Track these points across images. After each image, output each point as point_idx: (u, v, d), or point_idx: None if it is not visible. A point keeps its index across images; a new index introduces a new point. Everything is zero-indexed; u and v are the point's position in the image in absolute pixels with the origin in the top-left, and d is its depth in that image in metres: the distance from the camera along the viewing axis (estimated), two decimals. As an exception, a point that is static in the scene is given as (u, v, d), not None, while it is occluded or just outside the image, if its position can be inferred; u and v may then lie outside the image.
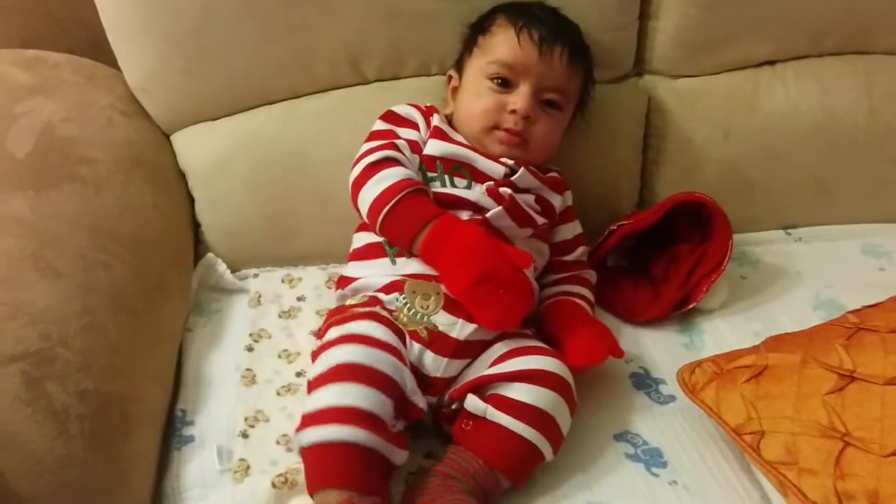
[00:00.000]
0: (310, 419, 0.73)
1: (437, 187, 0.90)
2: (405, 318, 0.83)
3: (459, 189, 0.90)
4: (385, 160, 0.88)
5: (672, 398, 0.90)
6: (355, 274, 0.91)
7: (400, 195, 0.85)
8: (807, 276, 1.06)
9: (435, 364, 0.82)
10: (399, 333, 0.81)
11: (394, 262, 0.88)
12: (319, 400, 0.73)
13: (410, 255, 0.87)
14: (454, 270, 0.81)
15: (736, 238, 1.00)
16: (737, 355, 0.85)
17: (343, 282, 0.92)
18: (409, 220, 0.84)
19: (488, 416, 0.78)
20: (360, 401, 0.72)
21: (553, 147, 0.96)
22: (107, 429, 0.75)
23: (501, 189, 0.89)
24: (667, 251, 1.04)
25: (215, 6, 0.97)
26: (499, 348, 0.84)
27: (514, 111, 0.91)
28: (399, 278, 0.86)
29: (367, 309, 0.83)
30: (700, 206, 1.01)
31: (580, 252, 1.00)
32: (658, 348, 0.97)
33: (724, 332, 0.99)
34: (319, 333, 0.87)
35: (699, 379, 0.85)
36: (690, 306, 0.99)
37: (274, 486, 0.78)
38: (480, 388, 0.81)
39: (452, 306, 0.83)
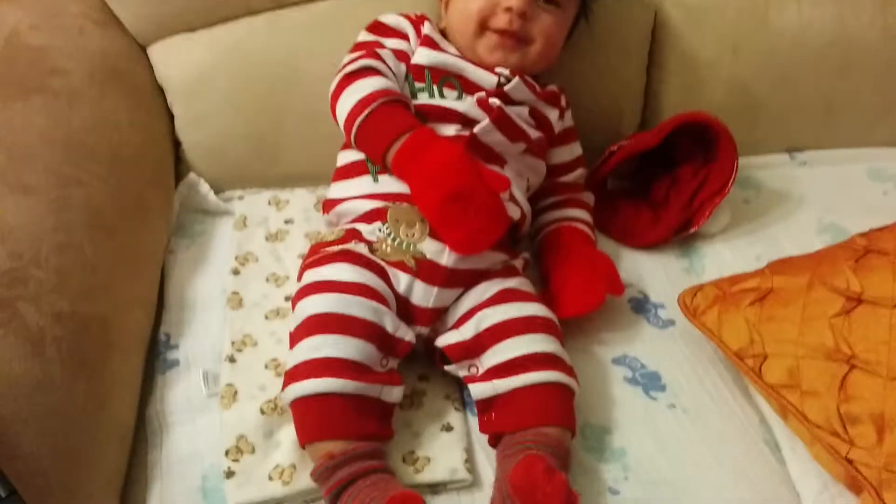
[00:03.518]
0: (290, 376, 0.71)
1: (424, 98, 0.86)
2: (389, 250, 0.79)
3: (448, 100, 0.85)
4: (363, 69, 0.83)
5: (671, 322, 0.88)
6: (338, 195, 0.87)
7: (374, 104, 0.80)
8: (810, 200, 1.04)
9: (425, 294, 0.79)
10: (377, 269, 0.78)
11: (376, 180, 0.84)
12: (297, 355, 0.72)
13: (390, 168, 0.82)
14: (425, 186, 0.77)
15: (740, 160, 0.97)
16: (741, 278, 0.82)
17: (328, 205, 0.88)
18: (383, 131, 0.80)
19: (501, 390, 0.75)
20: (337, 350, 0.70)
21: (555, 49, 0.90)
22: (86, 351, 0.72)
23: (491, 100, 0.84)
24: (669, 173, 1.01)
25: None
26: (487, 287, 0.81)
27: (508, 9, 0.85)
28: (381, 204, 0.82)
29: (341, 247, 0.79)
30: (704, 127, 0.97)
31: (578, 174, 0.97)
32: (657, 273, 0.94)
33: (725, 256, 0.96)
34: (298, 275, 0.83)
35: (700, 302, 0.82)
36: (692, 230, 0.96)
37: (262, 412, 0.76)
38: (472, 364, 0.77)
39: None
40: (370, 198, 0.83)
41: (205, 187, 1.00)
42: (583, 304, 0.83)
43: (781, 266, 0.82)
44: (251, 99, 0.99)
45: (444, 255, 0.79)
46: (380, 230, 0.80)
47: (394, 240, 0.79)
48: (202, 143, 1.02)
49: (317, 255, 0.79)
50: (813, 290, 0.76)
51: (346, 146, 0.89)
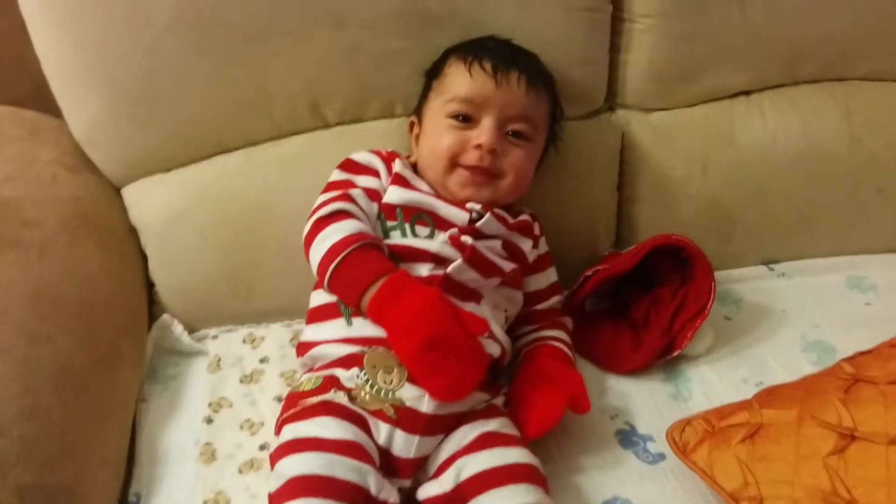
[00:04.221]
0: None
1: (396, 237, 0.85)
2: (368, 398, 0.77)
3: (420, 239, 0.85)
4: (335, 213, 0.83)
5: (661, 457, 0.85)
6: (312, 338, 0.85)
7: (347, 250, 0.79)
8: (792, 315, 1.03)
9: (406, 444, 0.76)
10: (359, 421, 0.75)
11: (349, 323, 0.82)
12: None
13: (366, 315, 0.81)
14: (402, 333, 0.76)
15: (717, 275, 0.96)
16: (729, 411, 0.80)
17: (301, 349, 0.86)
18: (357, 276, 0.79)
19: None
20: None
21: (526, 181, 0.91)
22: (50, 528, 0.68)
23: (463, 238, 0.84)
24: (648, 293, 1.00)
25: (163, 49, 0.92)
26: (468, 431, 0.78)
27: (478, 146, 0.86)
28: (357, 350, 0.80)
29: (321, 398, 0.77)
30: (679, 248, 0.96)
31: (555, 301, 0.96)
32: (643, 400, 0.92)
33: (711, 379, 0.94)
34: (276, 428, 0.80)
35: (690, 438, 0.80)
36: (675, 353, 0.94)
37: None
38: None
39: None
40: (345, 342, 0.82)
41: (178, 328, 0.98)
42: (540, 423, 0.81)
43: (769, 398, 0.80)
44: (226, 236, 0.99)
45: (423, 402, 0.77)
46: (357, 377, 0.78)
47: (372, 387, 0.77)
48: (176, 283, 1.00)
49: (295, 409, 0.77)
50: (804, 425, 0.74)
51: (319, 286, 0.88)
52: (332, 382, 0.79)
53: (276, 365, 0.95)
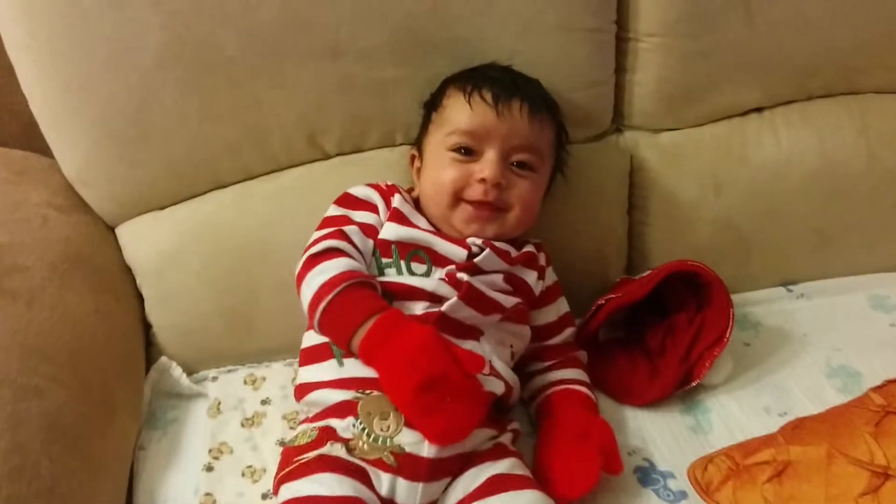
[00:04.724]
0: None
1: (391, 275, 0.82)
2: (366, 447, 0.73)
3: (416, 277, 0.81)
4: (327, 251, 0.80)
5: (683, 495, 0.81)
6: (306, 379, 0.82)
7: (338, 289, 0.76)
8: (814, 338, 0.99)
9: (410, 493, 0.72)
10: (359, 473, 0.71)
11: (341, 364, 0.79)
12: None
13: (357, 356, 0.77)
14: (396, 374, 0.72)
15: (735, 298, 0.93)
16: (753, 448, 0.77)
17: (298, 392, 0.83)
18: (347, 316, 0.75)
19: None
20: None
21: (533, 213, 0.88)
22: None
23: (459, 275, 0.80)
24: (663, 320, 0.96)
25: (152, 86, 0.89)
26: (476, 474, 0.75)
27: (482, 180, 0.82)
28: (351, 396, 0.76)
29: (317, 452, 0.73)
30: (694, 273, 0.93)
31: (567, 334, 0.92)
32: (662, 434, 0.88)
33: (732, 409, 0.90)
34: (274, 487, 0.76)
35: (713, 477, 0.76)
36: (693, 384, 0.90)
37: None
38: None
39: None
40: (338, 386, 0.78)
41: (177, 371, 0.95)
42: (575, 488, 0.77)
43: (796, 432, 0.76)
44: (223, 274, 0.96)
45: (423, 447, 0.73)
46: (353, 426, 0.74)
47: (369, 435, 0.73)
48: (173, 323, 0.97)
49: (291, 466, 0.73)
50: (834, 462, 0.70)
51: (310, 327, 0.84)
52: (328, 434, 0.75)
53: (279, 406, 0.92)
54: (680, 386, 0.91)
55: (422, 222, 0.85)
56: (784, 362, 0.95)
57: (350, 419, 0.75)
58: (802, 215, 1.04)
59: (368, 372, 0.75)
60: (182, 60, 0.88)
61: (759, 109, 1.05)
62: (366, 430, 0.73)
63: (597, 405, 0.88)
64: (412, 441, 0.73)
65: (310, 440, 0.75)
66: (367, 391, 0.76)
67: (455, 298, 0.79)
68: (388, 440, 0.73)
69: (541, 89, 0.90)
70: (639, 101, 1.01)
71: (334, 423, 0.76)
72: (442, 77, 0.92)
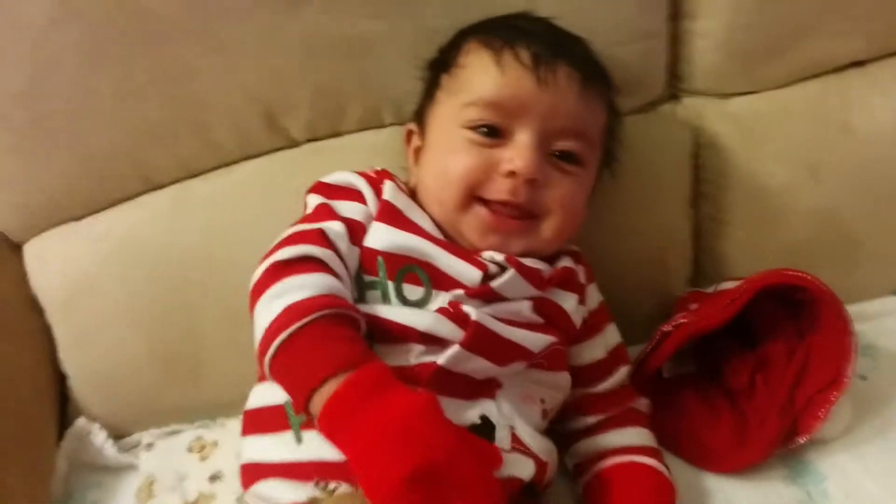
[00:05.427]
0: None
1: (374, 301, 0.59)
2: None
3: (408, 307, 0.60)
4: (300, 260, 0.57)
5: None
6: (252, 457, 0.60)
7: (306, 319, 0.53)
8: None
9: None
10: None
11: (299, 440, 0.56)
12: None
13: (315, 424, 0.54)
14: (375, 458, 0.49)
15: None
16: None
17: (244, 475, 0.60)
18: (312, 361, 0.53)
19: None
20: None
21: (575, 223, 0.67)
22: None
23: (465, 308, 0.58)
24: (750, 350, 0.75)
25: (47, 51, 0.71)
26: None
27: (511, 172, 0.62)
28: (309, 493, 0.54)
29: None
30: (793, 287, 0.71)
31: (621, 375, 0.69)
32: (760, 515, 0.66)
33: (853, 474, 0.68)
34: None
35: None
36: (802, 440, 0.69)
37: None
38: None
39: None
40: (291, 474, 0.56)
41: (99, 437, 0.77)
42: None
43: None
44: (153, 304, 0.79)
45: None
46: None
47: None
48: (94, 371, 0.80)
49: None
50: None
51: (263, 377, 0.62)
52: None
53: (231, 484, 0.71)
54: (782, 443, 0.69)
55: (423, 223, 0.63)
56: (919, 402, 0.74)
57: None
58: (925, 202, 0.84)
59: (336, 454, 0.52)
60: (83, 15, 0.70)
61: (861, 63, 0.86)
62: None
63: (673, 488, 0.64)
64: None
65: None
66: (331, 484, 0.53)
67: (457, 347, 0.56)
68: None
69: (592, 53, 0.71)
70: (702, 56, 0.83)
71: None
72: (434, 31, 0.72)
